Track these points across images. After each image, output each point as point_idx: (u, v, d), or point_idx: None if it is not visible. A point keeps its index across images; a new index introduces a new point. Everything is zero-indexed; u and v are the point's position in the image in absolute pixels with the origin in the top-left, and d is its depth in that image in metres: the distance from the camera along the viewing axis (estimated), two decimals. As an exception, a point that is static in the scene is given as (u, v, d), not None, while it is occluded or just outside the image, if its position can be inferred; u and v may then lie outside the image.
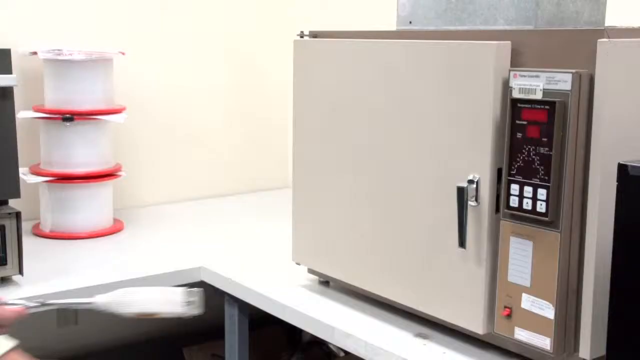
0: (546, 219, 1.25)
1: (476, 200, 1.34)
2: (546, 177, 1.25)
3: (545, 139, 1.24)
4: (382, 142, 1.54)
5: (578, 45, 1.23)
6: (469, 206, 1.35)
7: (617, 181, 1.14)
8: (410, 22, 1.57)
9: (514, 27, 1.40)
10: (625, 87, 1.23)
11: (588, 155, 1.24)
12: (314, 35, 1.71)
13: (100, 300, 1.14)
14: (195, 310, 1.14)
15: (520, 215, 1.29)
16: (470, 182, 1.35)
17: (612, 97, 1.21)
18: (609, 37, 1.19)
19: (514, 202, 1.30)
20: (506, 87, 1.30)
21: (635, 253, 1.12)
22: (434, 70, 1.42)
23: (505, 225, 1.33)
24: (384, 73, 1.52)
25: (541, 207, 1.26)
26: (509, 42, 1.32)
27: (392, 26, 1.64)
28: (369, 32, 1.60)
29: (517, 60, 1.32)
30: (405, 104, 1.49)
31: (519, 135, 1.28)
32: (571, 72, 1.21)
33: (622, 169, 1.13)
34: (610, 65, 1.20)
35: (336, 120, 1.64)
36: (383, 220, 1.54)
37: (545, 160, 1.25)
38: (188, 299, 1.14)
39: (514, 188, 1.30)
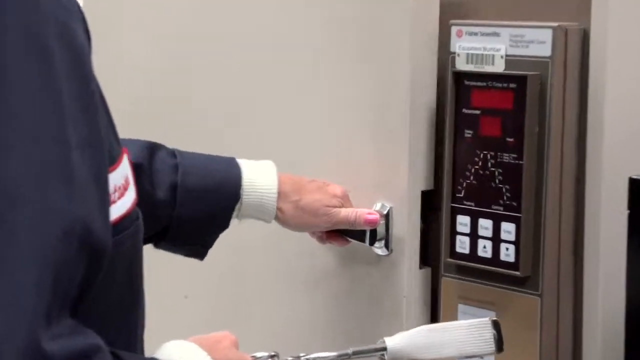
0: (517, 273, 1.02)
1: (386, 246, 1.10)
2: (515, 203, 1.02)
3: (511, 139, 1.02)
4: (235, 142, 1.27)
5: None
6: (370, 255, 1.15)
7: (628, 208, 0.95)
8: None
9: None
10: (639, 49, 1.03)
11: (583, 165, 1.02)
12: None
13: (393, 345, 1.02)
14: (500, 346, 1.04)
15: (473, 268, 1.05)
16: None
17: (618, 66, 1.00)
18: (612, -31, 1.03)
19: (462, 245, 1.05)
20: (445, 52, 1.09)
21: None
22: (320, 26, 1.19)
23: (449, 284, 1.09)
24: (239, 37, 1.26)
25: (508, 253, 1.02)
26: (447, -23, 1.14)
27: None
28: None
29: (461, 9, 1.11)
30: (275, 81, 1.23)
31: (469, 133, 1.04)
32: (551, 27, 1.00)
33: (636, 185, 0.95)
34: (614, 15, 1.00)
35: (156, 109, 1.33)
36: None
37: (513, 174, 1.02)
38: (496, 333, 1.03)
39: (463, 221, 1.05)
